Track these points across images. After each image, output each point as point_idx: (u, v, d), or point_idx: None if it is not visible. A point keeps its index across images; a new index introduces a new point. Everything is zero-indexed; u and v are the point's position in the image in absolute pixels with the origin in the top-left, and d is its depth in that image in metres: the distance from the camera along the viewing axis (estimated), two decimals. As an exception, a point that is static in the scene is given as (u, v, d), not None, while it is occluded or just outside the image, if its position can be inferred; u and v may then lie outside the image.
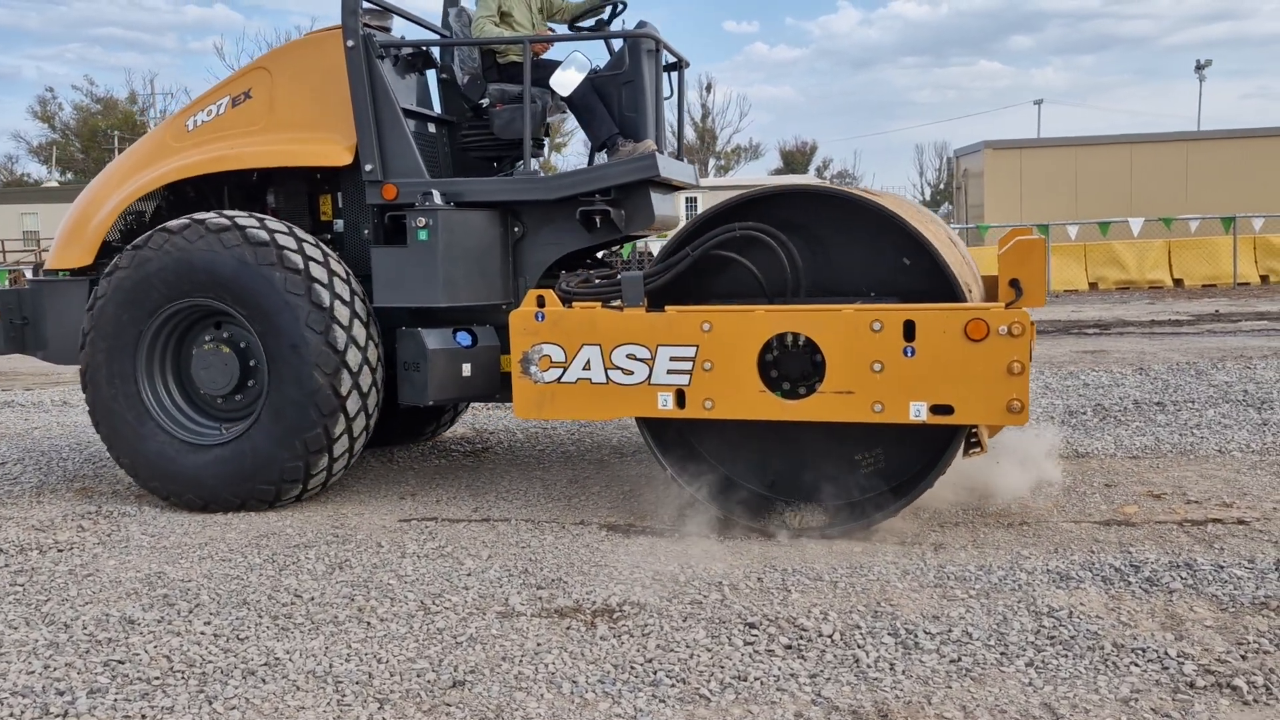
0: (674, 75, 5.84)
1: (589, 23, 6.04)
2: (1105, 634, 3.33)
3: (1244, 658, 3.13)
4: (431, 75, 6.15)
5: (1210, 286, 18.99)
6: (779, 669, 3.16)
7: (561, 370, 4.55)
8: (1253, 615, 3.43)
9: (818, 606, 3.63)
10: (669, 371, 4.40)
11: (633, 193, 5.22)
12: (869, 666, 3.15)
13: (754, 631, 3.43)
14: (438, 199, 5.14)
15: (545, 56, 5.74)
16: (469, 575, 4.09)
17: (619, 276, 4.63)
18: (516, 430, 7.30)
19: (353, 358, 4.98)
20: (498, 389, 5.31)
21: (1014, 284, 4.12)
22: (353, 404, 5.00)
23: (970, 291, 4.29)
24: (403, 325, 5.26)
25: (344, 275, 5.15)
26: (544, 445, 6.75)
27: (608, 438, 6.93)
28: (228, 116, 5.62)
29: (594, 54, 5.58)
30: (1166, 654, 3.17)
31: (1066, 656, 3.18)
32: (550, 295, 4.62)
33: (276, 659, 3.34)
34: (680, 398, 4.41)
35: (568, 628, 3.53)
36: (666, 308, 4.44)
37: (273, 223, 5.14)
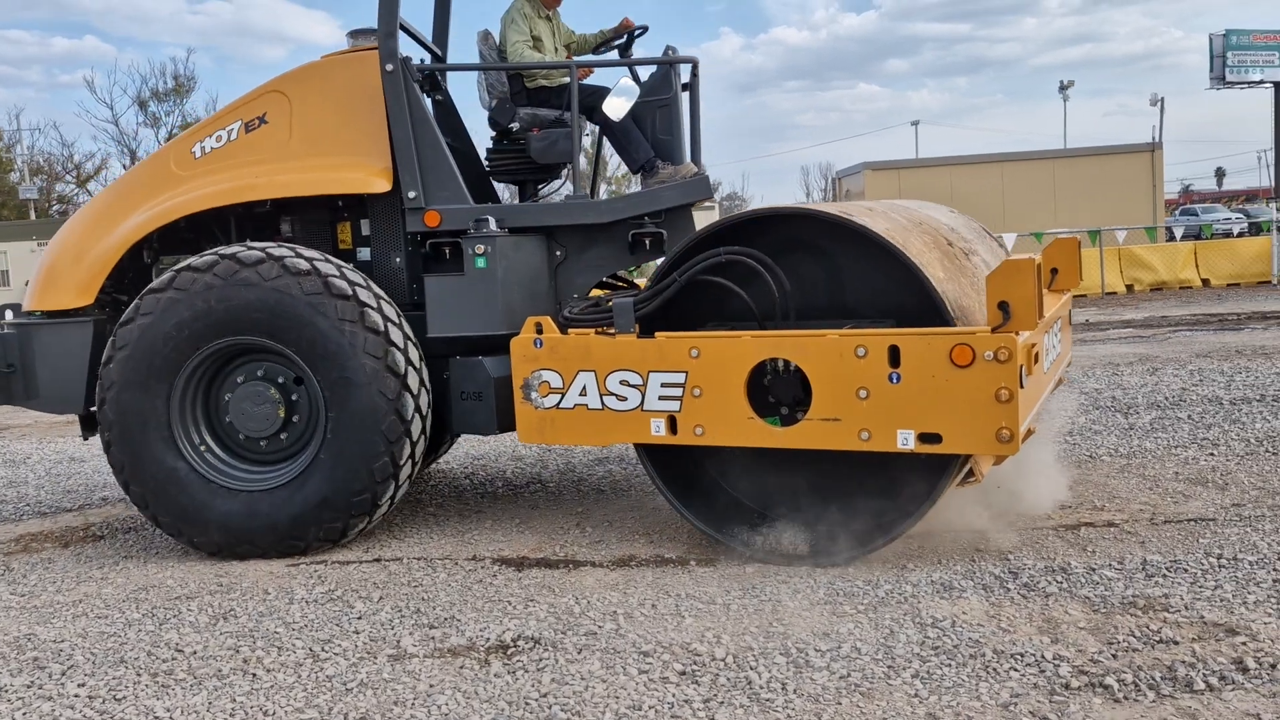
0: (689, 98, 5.77)
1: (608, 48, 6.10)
2: (986, 641, 3.44)
3: (1115, 656, 3.27)
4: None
5: (1080, 297, 19.85)
6: (673, 696, 3.17)
7: (560, 396, 4.52)
8: (1123, 615, 3.59)
9: (711, 630, 3.66)
10: (660, 398, 4.36)
11: (678, 214, 5.28)
12: (761, 688, 3.19)
13: (648, 659, 3.44)
14: (494, 225, 5.07)
15: (583, 81, 5.71)
16: (359, 618, 4.01)
17: (611, 303, 4.60)
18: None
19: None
20: None
21: (1002, 306, 3.89)
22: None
23: (963, 313, 4.13)
24: (442, 354, 5.13)
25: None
26: (435, 480, 6.67)
27: (500, 470, 6.88)
28: (240, 142, 5.36)
29: (606, 77, 5.75)
30: (1043, 657, 3.28)
31: (950, 666, 3.27)
32: (548, 322, 4.58)
33: (156, 718, 3.22)
34: (673, 424, 4.35)
35: (461, 667, 3.49)
36: (656, 334, 4.41)
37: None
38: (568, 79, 5.45)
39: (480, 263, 4.99)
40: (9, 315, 5.73)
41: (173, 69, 49.81)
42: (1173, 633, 3.40)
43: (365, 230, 5.52)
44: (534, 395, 4.56)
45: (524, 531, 5.20)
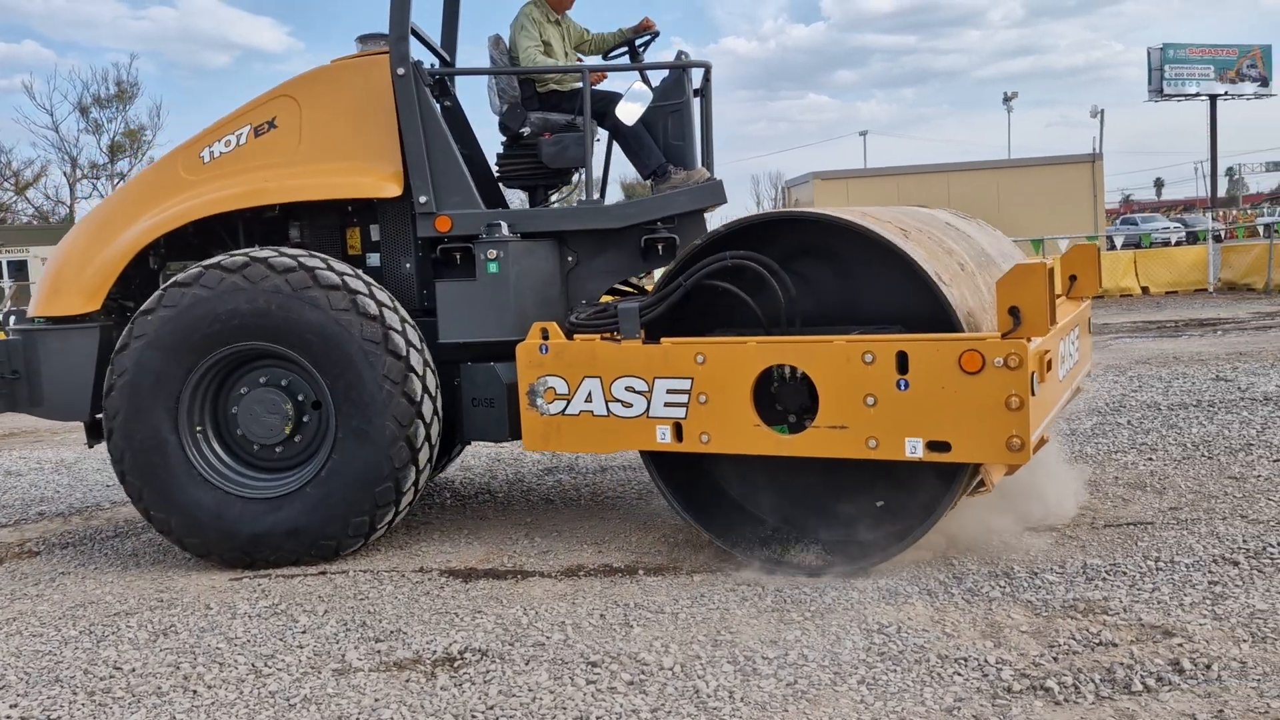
0: (700, 102, 5.72)
1: (617, 52, 6.06)
2: (931, 646, 3.47)
3: (1056, 659, 3.32)
4: None
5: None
6: (620, 706, 3.16)
7: (565, 402, 4.47)
8: (1063, 618, 3.65)
9: (659, 640, 3.66)
10: (666, 404, 4.30)
11: (691, 219, 5.26)
12: (709, 696, 3.20)
13: (596, 670, 3.43)
14: (506, 230, 5.03)
15: (595, 86, 5.66)
16: (304, 633, 3.95)
17: (616, 307, 4.54)
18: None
19: (426, 408, 4.77)
20: None
21: (1013, 312, 3.80)
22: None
23: (976, 319, 4.06)
24: (452, 360, 5.08)
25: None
26: (384, 491, 6.60)
27: (448, 480, 6.83)
28: (249, 147, 5.30)
29: (617, 82, 5.63)
30: (986, 661, 3.33)
31: (896, 671, 3.30)
32: (554, 327, 4.53)
33: (92, 738, 3.15)
34: (678, 431, 4.29)
35: (407, 680, 3.45)
36: (662, 339, 4.35)
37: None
38: (579, 83, 5.41)
39: (493, 267, 4.96)
40: (13, 321, 5.64)
41: (115, 75, 49.01)
42: (1112, 635, 3.46)
43: (375, 236, 5.47)
44: (539, 401, 4.51)
45: (472, 542, 5.16)
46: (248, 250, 4.90)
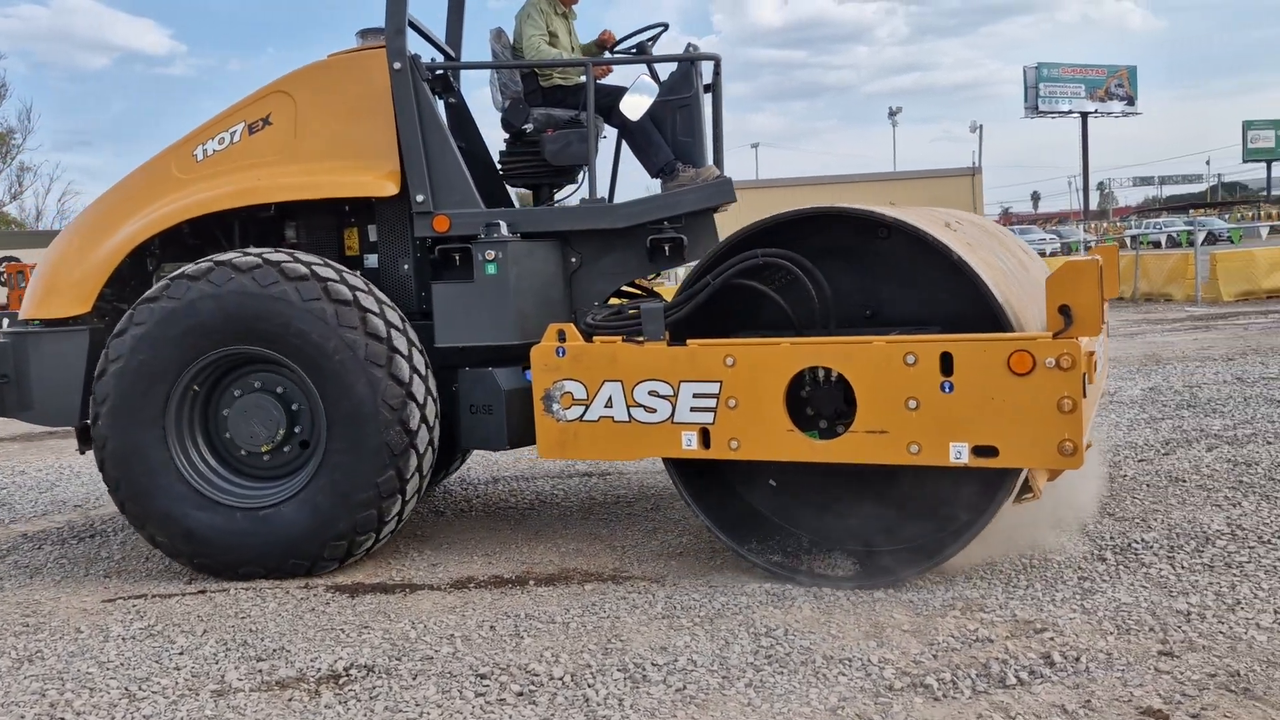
0: (711, 98, 5.49)
1: (628, 45, 5.84)
2: (817, 648, 3.54)
3: (935, 657, 3.41)
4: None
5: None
6: (510, 717, 3.14)
7: (584, 408, 4.30)
8: (942, 617, 3.75)
9: (550, 650, 3.65)
10: (693, 409, 4.13)
11: (699, 219, 5.09)
12: (599, 704, 3.20)
13: (485, 682, 3.39)
14: (505, 230, 4.85)
15: (600, 81, 5.46)
16: (181, 654, 3.82)
17: (640, 308, 4.40)
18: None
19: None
20: None
21: (1063, 310, 3.69)
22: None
23: (1020, 319, 3.91)
24: (447, 367, 4.91)
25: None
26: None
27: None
28: (244, 145, 5.13)
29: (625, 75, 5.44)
30: (869, 661, 3.40)
31: (782, 673, 3.35)
32: (571, 329, 4.37)
33: (-52, 772, 2.98)
34: (705, 437, 4.13)
35: (290, 700, 3.36)
36: (688, 341, 4.20)
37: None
38: (584, 78, 5.21)
39: (491, 269, 4.79)
40: (5, 324, 5.33)
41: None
42: (988, 632, 3.58)
43: (373, 236, 5.30)
44: (555, 407, 4.34)
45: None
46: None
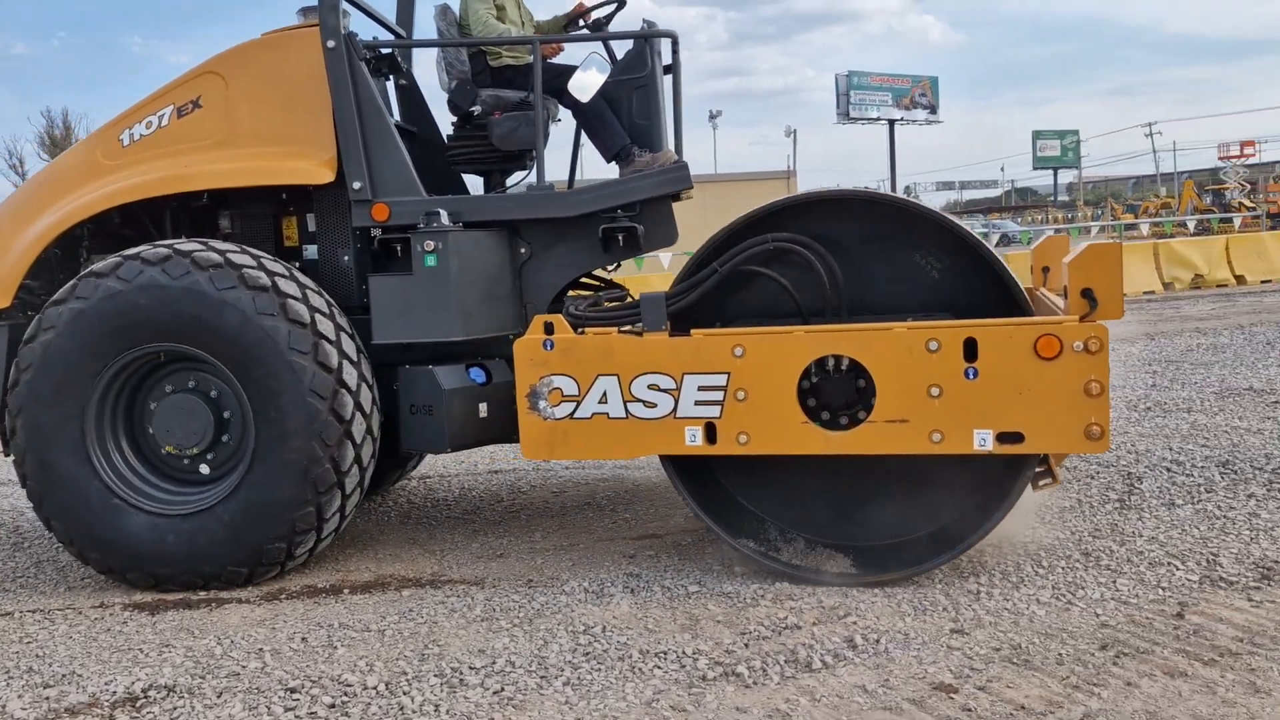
0: (668, 79, 5.13)
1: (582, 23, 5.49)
2: (633, 643, 3.59)
3: (747, 645, 3.52)
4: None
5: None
6: (321, 731, 3.06)
7: (574, 405, 4.07)
8: (754, 607, 3.88)
9: (364, 659, 3.57)
10: (697, 403, 3.97)
11: (656, 207, 4.79)
12: (414, 712, 3.15)
13: (295, 696, 3.29)
14: (446, 219, 4.52)
15: (551, 60, 5.13)
16: (-44, 685, 3.54)
17: (639, 297, 4.17)
18: (26, 510, 6.44)
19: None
20: (515, 429, 4.65)
21: (1086, 294, 3.67)
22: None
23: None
24: (391, 364, 4.61)
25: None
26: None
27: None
28: (173, 129, 4.81)
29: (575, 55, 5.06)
30: (684, 653, 3.48)
31: (600, 670, 3.39)
32: (560, 321, 4.14)
33: None
34: (711, 432, 3.97)
35: (80, 727, 3.17)
36: (692, 331, 4.02)
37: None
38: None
39: (430, 260, 4.49)
40: None
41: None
42: (797, 619, 3.72)
43: (312, 226, 4.98)
44: (542, 404, 4.11)
45: (162, 572, 4.81)
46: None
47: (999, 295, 3.96)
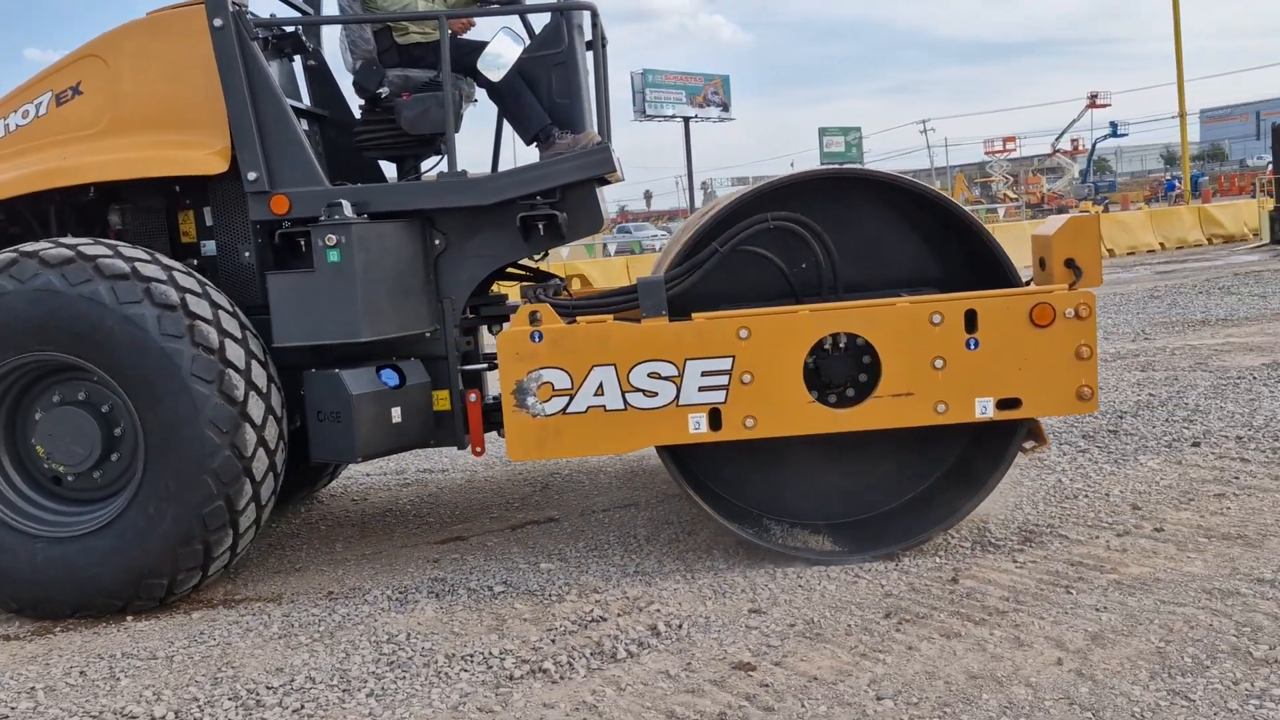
0: (591, 55, 4.78)
1: None
2: (439, 648, 3.55)
3: (553, 641, 3.55)
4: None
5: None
6: (103, 768, 2.88)
7: (567, 399, 3.87)
8: (560, 603, 3.91)
9: (150, 688, 3.38)
10: (701, 389, 3.85)
11: (579, 193, 4.46)
12: (207, 739, 3.01)
13: (73, 734, 3.08)
14: (349, 211, 4.16)
15: (462, 36, 4.72)
16: None
17: (636, 281, 3.97)
18: None
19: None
20: (432, 433, 4.42)
21: (1070, 264, 3.88)
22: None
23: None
24: (302, 366, 4.29)
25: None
26: None
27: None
28: (51, 118, 4.46)
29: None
30: (491, 654, 3.47)
31: (404, 678, 3.34)
32: (547, 310, 3.89)
33: None
34: (715, 418, 3.86)
35: None
36: (694, 315, 3.88)
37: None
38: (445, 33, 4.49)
39: (333, 256, 4.14)
40: None
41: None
42: (601, 611, 3.77)
43: (209, 220, 4.61)
44: (531, 401, 3.89)
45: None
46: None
47: (983, 269, 4.11)
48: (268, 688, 3.32)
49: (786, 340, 3.91)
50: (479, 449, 4.50)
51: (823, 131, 72.53)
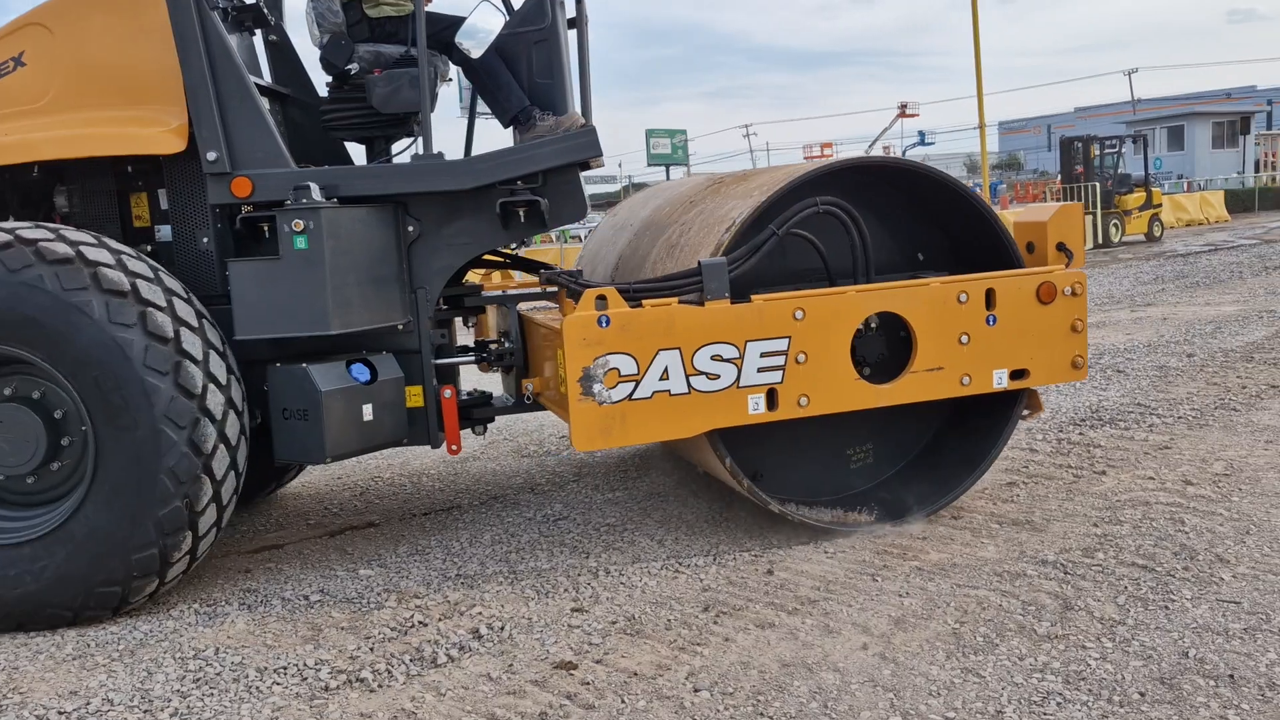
0: (573, 33, 4.53)
1: None
2: (250, 661, 3.42)
3: (372, 649, 3.47)
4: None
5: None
6: None
7: (634, 385, 3.79)
8: (379, 610, 3.83)
9: (-76, 720, 3.12)
10: (760, 370, 3.91)
11: (561, 178, 4.25)
12: (-11, 771, 2.81)
13: None
14: (317, 194, 3.89)
15: (432, 10, 4.41)
16: None
17: (699, 263, 3.88)
18: None
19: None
20: (405, 431, 4.24)
21: (1061, 247, 4.34)
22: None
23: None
24: (264, 360, 4.04)
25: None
26: None
27: None
28: None
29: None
30: (306, 665, 3.37)
31: (212, 695, 3.20)
32: (613, 294, 3.78)
33: None
34: (772, 398, 3.94)
35: None
36: (753, 297, 3.92)
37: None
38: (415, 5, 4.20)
39: (299, 242, 3.84)
40: None
41: None
42: (422, 616, 3.72)
43: (165, 203, 4.30)
44: (598, 388, 3.75)
45: None
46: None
47: (983, 251, 4.41)
48: (59, 712, 3.12)
49: (836, 320, 4.08)
50: (455, 447, 4.36)
51: (650, 133, 73.40)
